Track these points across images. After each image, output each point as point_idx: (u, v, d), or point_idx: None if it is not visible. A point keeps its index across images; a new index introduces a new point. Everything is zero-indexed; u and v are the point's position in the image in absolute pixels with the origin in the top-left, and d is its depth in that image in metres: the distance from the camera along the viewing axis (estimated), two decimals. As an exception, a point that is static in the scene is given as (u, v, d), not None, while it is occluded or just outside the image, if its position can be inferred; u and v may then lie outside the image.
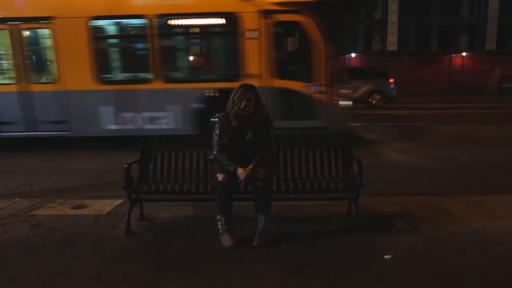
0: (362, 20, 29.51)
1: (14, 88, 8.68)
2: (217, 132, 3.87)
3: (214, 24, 8.81)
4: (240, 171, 3.66)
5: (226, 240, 3.63)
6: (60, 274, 3.21)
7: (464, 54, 26.31)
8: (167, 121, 8.57)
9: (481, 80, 25.78)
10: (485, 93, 24.33)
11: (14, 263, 3.43)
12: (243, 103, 3.76)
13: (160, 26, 8.35)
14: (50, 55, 8.70)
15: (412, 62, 25.00)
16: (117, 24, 9.18)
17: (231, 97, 3.83)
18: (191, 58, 9.98)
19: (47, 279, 3.14)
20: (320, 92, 8.19)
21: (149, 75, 8.58)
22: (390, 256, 3.39)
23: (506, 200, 4.78)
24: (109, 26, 9.13)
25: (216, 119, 3.93)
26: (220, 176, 3.67)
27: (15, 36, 8.55)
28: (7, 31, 8.54)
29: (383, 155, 8.00)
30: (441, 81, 25.34)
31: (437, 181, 6.01)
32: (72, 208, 4.71)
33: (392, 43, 26.28)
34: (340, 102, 8.52)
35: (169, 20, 8.43)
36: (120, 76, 9.44)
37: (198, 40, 10.12)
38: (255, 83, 4.79)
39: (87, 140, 8.92)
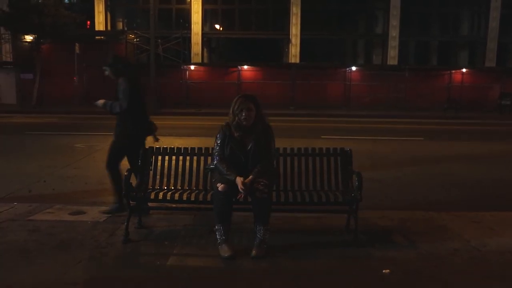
0: (363, 34, 29.80)
1: None
2: (218, 142, 3.89)
3: None
4: (239, 181, 3.66)
5: (224, 251, 3.61)
6: (56, 280, 3.18)
7: (464, 70, 26.49)
8: None
9: (480, 96, 25.95)
10: (484, 109, 24.47)
11: (10, 267, 3.40)
12: (243, 114, 3.78)
13: None
14: None
15: (412, 76, 25.16)
16: None
17: (231, 109, 3.85)
18: None
19: (43, 285, 3.11)
20: None
21: None
22: (388, 270, 3.38)
23: (503, 217, 4.78)
24: None
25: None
26: (220, 186, 3.67)
27: None
28: None
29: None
30: (441, 96, 25.50)
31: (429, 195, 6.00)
32: (70, 214, 4.69)
33: (392, 57, 26.47)
34: None
35: None
36: None
37: None
38: None
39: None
